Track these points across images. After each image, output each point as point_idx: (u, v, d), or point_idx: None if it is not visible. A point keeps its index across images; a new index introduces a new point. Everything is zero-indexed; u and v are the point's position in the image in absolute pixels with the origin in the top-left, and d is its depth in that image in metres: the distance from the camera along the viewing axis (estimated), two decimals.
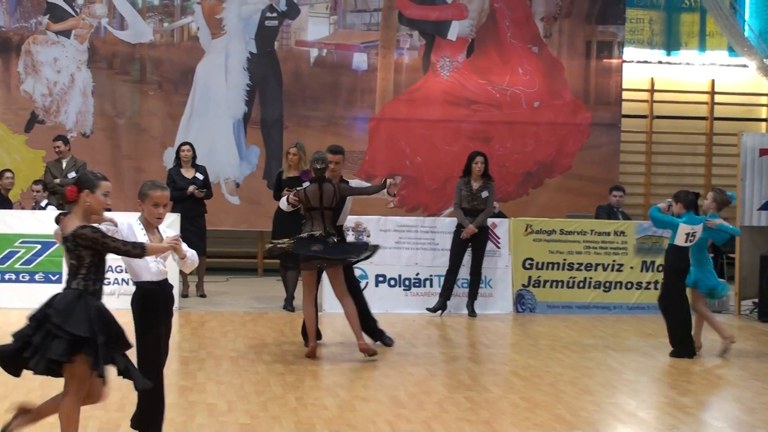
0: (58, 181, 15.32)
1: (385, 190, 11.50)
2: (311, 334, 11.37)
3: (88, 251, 6.85)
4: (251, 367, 10.64)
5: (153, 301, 7.43)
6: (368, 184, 11.64)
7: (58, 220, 7.24)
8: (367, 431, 8.32)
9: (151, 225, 7.36)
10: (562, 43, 19.07)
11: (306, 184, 14.14)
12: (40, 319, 6.89)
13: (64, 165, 15.60)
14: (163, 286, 7.52)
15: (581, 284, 15.06)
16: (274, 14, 18.20)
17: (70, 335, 6.73)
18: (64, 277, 13.50)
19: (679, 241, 11.80)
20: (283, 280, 14.60)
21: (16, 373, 7.13)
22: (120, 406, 8.57)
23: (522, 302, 14.92)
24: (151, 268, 7.40)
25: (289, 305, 14.35)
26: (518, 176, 18.81)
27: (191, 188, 14.87)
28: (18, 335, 6.95)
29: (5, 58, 17.88)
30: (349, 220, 14.59)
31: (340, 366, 10.97)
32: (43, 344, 6.79)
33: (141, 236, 7.26)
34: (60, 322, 6.77)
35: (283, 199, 11.70)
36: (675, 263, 11.94)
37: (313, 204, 11.25)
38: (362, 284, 14.43)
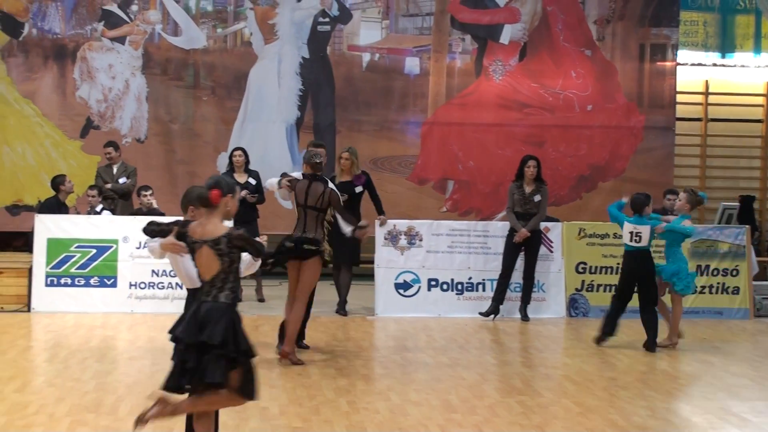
0: (109, 186, 15.57)
1: (351, 231, 11.38)
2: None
3: (237, 254, 6.84)
4: (303, 371, 10.66)
5: None
6: (349, 219, 11.45)
7: (157, 233, 7.16)
8: None
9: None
10: (616, 46, 18.97)
11: (358, 189, 14.24)
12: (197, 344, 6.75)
13: (114, 170, 15.73)
14: None
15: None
16: (327, 19, 18.25)
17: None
18: (122, 281, 13.56)
19: (625, 239, 12.36)
20: (336, 284, 14.63)
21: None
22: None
23: (575, 306, 14.85)
24: None
25: (341, 309, 14.38)
26: (571, 180, 18.71)
27: (243, 193, 14.90)
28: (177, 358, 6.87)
29: (61, 64, 18.05)
30: (402, 224, 14.65)
31: (392, 370, 10.97)
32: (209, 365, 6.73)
33: None
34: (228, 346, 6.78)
35: (274, 180, 11.51)
36: (625, 266, 12.57)
37: (299, 200, 11.14)
38: (414, 288, 14.50)
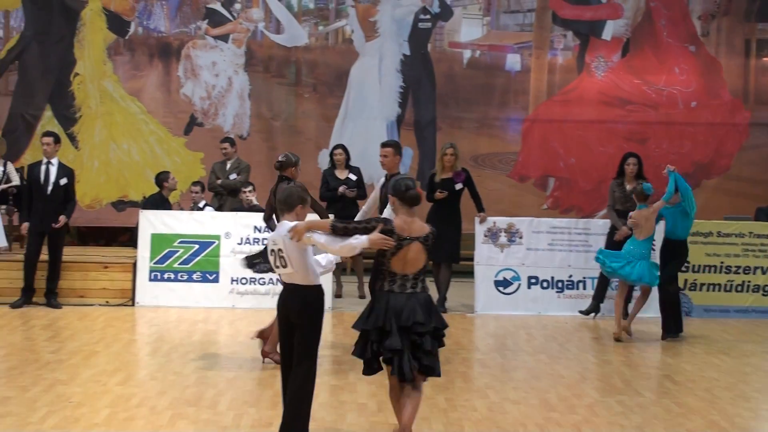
0: (220, 182, 15.75)
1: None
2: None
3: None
4: None
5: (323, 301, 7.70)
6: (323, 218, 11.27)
7: (360, 230, 7.42)
8: None
9: None
10: (720, 42, 18.68)
11: (458, 186, 14.23)
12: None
13: (228, 166, 15.87)
14: None
15: (739, 288, 14.74)
16: (428, 16, 18.25)
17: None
18: (223, 276, 13.68)
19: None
20: (436, 280, 14.64)
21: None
22: (272, 403, 8.71)
23: None
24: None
25: (441, 306, 14.37)
26: None
27: (342, 188, 14.97)
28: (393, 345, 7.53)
29: (166, 62, 18.32)
30: (502, 222, 14.59)
31: (491, 368, 10.94)
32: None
33: None
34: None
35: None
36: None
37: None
38: (514, 286, 14.44)
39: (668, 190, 12.71)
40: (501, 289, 14.62)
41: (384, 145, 11.71)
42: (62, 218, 14.09)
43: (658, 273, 12.70)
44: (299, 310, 7.58)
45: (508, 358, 11.50)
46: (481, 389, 9.88)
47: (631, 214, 12.89)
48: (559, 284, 14.65)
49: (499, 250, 14.66)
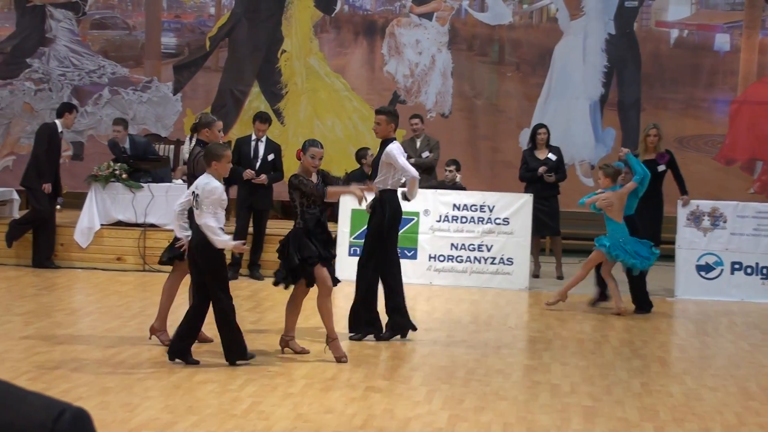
0: (413, 160, 15.82)
1: None
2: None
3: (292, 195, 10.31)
4: (597, 350, 10.60)
5: None
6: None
7: None
8: (713, 422, 8.13)
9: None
10: None
11: (661, 167, 14.00)
12: None
13: (418, 143, 15.99)
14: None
15: None
16: None
17: None
18: (421, 253, 13.86)
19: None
20: None
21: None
22: (465, 380, 8.76)
23: None
24: None
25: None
26: None
27: (541, 169, 14.87)
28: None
29: (370, 40, 18.52)
30: (705, 205, 14.27)
31: (689, 353, 10.76)
32: None
33: None
34: None
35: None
36: None
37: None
38: (717, 271, 14.12)
39: (636, 171, 12.84)
40: (703, 273, 14.30)
41: (378, 111, 11.47)
42: (263, 176, 14.49)
43: None
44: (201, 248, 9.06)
45: (707, 344, 11.28)
46: (678, 375, 9.71)
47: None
48: (764, 271, 14.25)
49: (701, 234, 14.35)
